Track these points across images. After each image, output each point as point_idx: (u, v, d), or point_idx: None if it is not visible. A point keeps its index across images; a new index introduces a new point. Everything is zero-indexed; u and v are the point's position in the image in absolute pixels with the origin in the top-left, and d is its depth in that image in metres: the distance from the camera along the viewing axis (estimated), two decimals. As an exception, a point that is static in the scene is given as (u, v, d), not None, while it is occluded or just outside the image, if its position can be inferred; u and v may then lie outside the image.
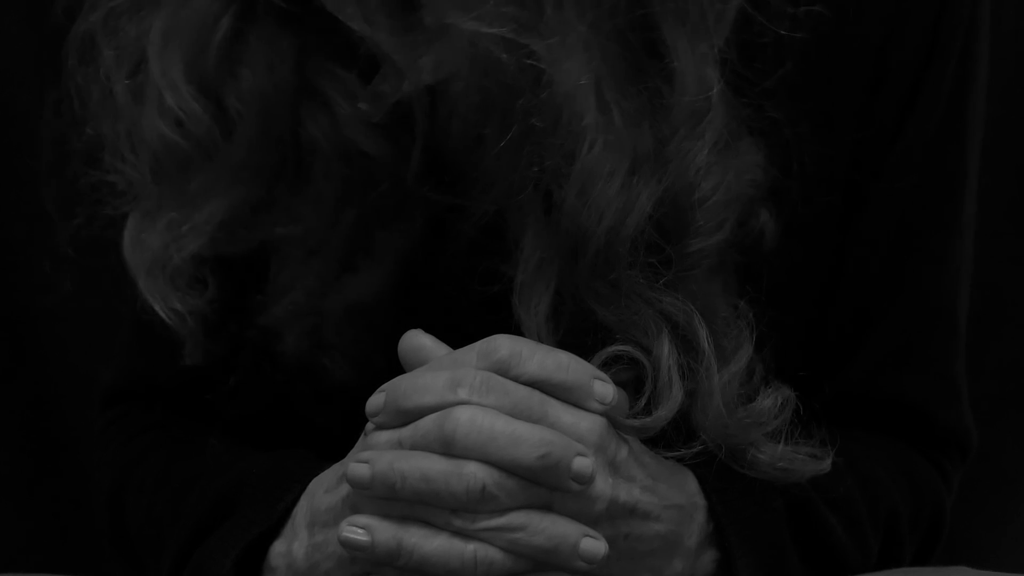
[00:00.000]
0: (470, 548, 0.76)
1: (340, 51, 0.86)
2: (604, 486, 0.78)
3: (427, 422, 0.76)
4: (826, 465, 0.83)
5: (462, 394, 0.76)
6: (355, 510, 0.78)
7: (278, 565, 0.83)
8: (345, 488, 0.79)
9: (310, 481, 0.84)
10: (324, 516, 0.81)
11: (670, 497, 0.81)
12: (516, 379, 0.77)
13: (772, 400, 0.82)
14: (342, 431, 0.84)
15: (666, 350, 0.79)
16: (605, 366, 0.80)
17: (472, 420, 0.75)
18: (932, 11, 0.88)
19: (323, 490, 0.82)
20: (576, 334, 0.81)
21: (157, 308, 0.88)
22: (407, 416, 0.77)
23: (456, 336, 0.80)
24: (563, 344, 0.80)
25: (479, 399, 0.76)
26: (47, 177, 0.91)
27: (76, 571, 0.93)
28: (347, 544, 0.77)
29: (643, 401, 0.79)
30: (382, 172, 0.86)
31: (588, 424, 0.77)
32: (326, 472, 0.83)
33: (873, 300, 0.92)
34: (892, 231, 0.91)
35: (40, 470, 1.31)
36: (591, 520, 0.77)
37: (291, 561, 0.83)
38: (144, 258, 0.88)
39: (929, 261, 0.93)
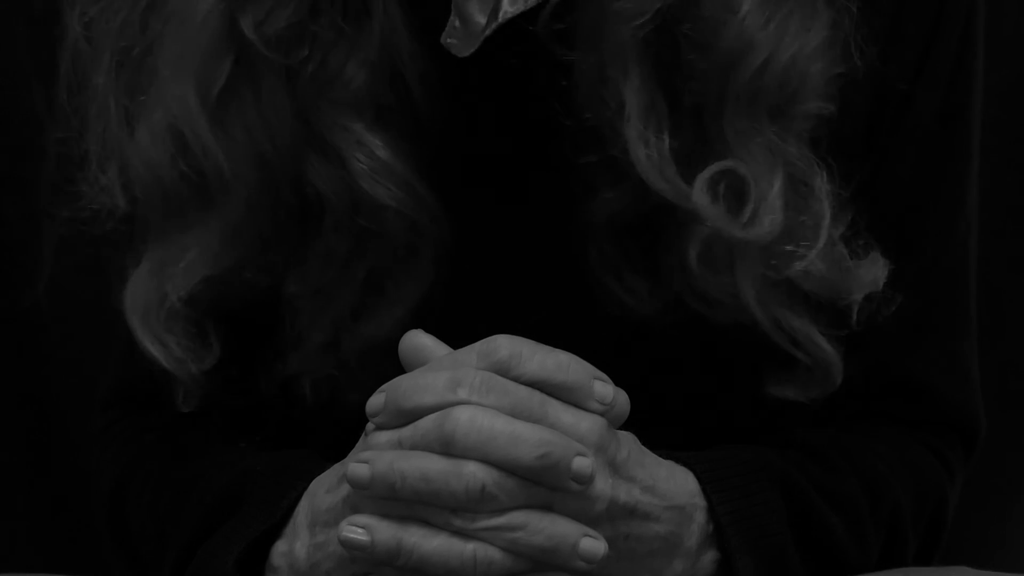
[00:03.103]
0: (470, 548, 0.76)
1: (341, 101, 0.85)
2: (604, 486, 0.78)
3: (427, 422, 0.76)
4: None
5: (462, 394, 0.76)
6: (355, 510, 0.78)
7: (280, 565, 0.83)
8: (345, 488, 0.79)
9: (311, 481, 0.84)
10: (325, 516, 0.81)
11: (670, 498, 0.81)
12: (516, 379, 0.77)
13: (877, 268, 0.85)
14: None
15: (778, 184, 0.82)
16: (713, 181, 0.82)
17: (472, 420, 0.75)
18: None
19: (324, 490, 0.82)
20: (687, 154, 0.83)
21: (154, 352, 0.87)
22: (407, 416, 0.77)
23: None
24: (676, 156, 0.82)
25: (479, 399, 0.76)
26: (50, 183, 0.89)
27: (76, 571, 0.93)
28: (347, 544, 0.77)
29: (747, 212, 0.82)
30: (396, 223, 0.85)
31: (588, 424, 0.77)
32: (327, 472, 0.83)
33: None
34: (897, 206, 0.91)
35: (40, 470, 1.31)
36: (591, 520, 0.77)
37: (292, 561, 0.83)
38: (136, 300, 0.87)
39: (934, 239, 0.93)
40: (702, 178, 0.82)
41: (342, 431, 0.84)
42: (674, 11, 0.82)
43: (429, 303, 0.87)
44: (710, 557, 0.83)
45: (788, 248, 0.83)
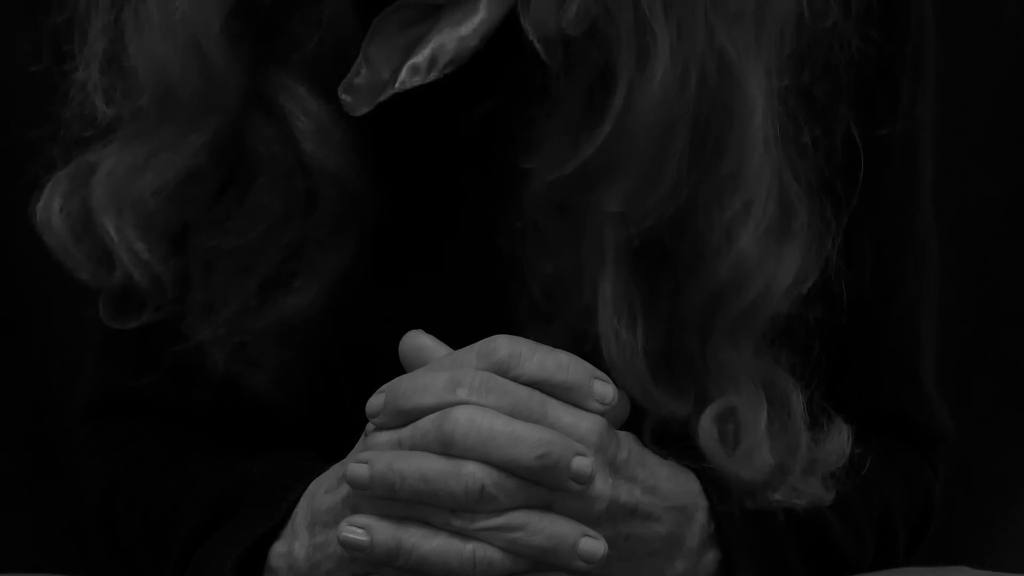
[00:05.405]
0: (469, 548, 0.76)
1: (288, 63, 0.85)
2: (604, 486, 0.78)
3: (426, 422, 0.76)
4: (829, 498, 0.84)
5: (461, 394, 0.76)
6: (355, 510, 0.78)
7: (279, 566, 0.83)
8: (345, 488, 0.79)
9: (310, 482, 0.84)
10: (324, 516, 0.81)
11: (671, 498, 0.81)
12: (516, 379, 0.77)
13: (842, 438, 0.84)
14: (265, 442, 0.86)
15: (763, 419, 0.81)
16: (720, 419, 0.81)
17: (471, 420, 0.75)
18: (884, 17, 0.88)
19: (323, 490, 0.82)
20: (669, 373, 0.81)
21: (122, 254, 0.85)
22: (407, 416, 0.77)
23: (389, 356, 0.81)
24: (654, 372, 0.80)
25: (478, 399, 0.76)
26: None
27: (76, 571, 0.93)
28: (346, 544, 0.77)
29: (741, 451, 0.80)
30: (331, 189, 0.85)
31: (588, 424, 0.77)
32: (326, 473, 0.83)
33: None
34: (854, 261, 0.90)
35: (40, 470, 1.31)
36: (591, 520, 0.77)
37: (292, 562, 0.83)
38: (108, 196, 0.85)
39: (891, 284, 0.93)
40: (708, 416, 0.81)
41: (240, 410, 0.85)
42: (669, 222, 0.80)
43: (350, 279, 0.86)
44: (711, 557, 0.83)
45: (766, 481, 0.82)
